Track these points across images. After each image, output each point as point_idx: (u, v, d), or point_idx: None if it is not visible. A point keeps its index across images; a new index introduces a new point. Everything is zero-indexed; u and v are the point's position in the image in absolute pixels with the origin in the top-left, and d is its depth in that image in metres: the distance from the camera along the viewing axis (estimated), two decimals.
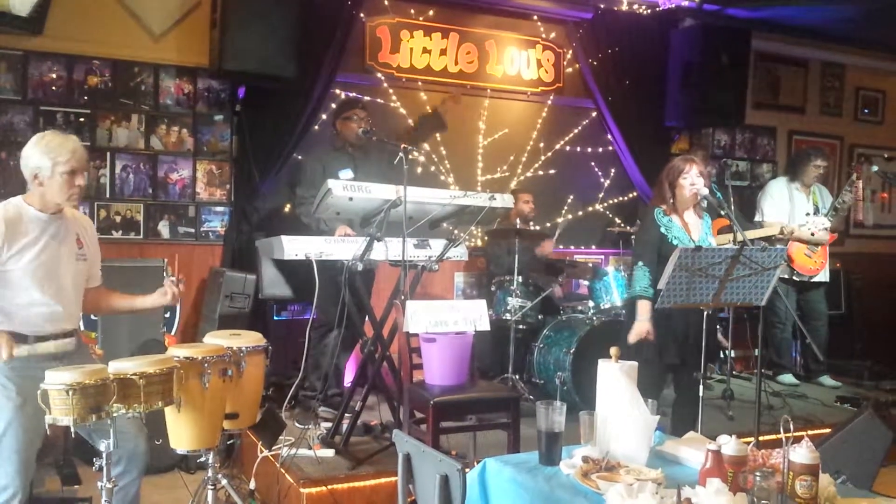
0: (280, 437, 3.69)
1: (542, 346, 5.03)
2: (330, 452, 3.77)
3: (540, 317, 5.23)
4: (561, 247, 6.30)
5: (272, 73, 4.85)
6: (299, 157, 5.17)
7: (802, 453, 2.07)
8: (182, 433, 2.98)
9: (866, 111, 7.80)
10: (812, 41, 7.07)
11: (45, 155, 2.86)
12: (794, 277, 5.61)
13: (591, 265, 5.69)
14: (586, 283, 5.66)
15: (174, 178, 5.16)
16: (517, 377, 4.93)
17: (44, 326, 2.89)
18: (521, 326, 5.06)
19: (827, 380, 5.95)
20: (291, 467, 3.63)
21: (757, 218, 5.74)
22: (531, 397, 4.63)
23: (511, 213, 5.59)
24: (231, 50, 4.75)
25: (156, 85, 5.09)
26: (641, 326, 3.73)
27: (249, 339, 3.24)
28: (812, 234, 5.32)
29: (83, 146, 2.99)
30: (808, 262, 5.63)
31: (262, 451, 3.71)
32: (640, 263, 3.79)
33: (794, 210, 5.66)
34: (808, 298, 5.79)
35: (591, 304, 5.27)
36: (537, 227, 6.01)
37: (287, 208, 5.26)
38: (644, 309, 3.74)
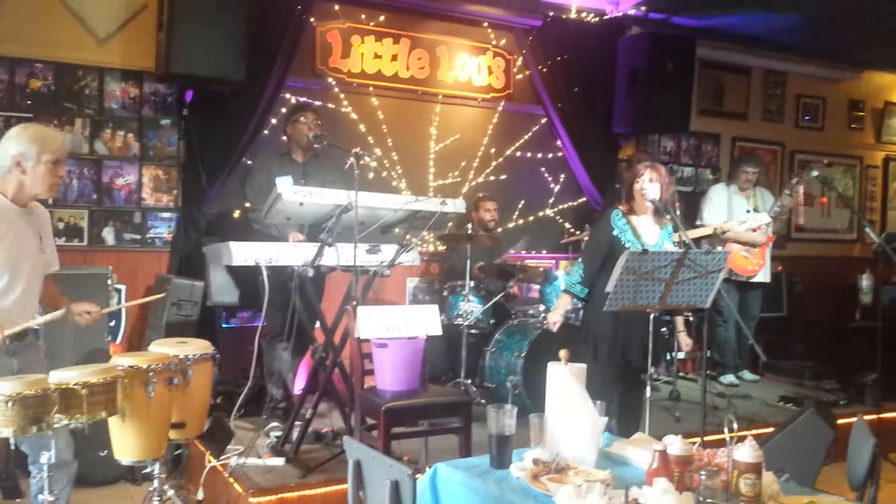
0: (229, 447, 3.64)
1: (493, 351, 5.06)
2: (280, 461, 3.72)
3: (492, 321, 5.25)
4: (513, 251, 6.35)
5: (221, 76, 4.77)
6: (249, 161, 5.12)
7: (746, 452, 2.12)
8: (127, 444, 2.93)
9: (807, 118, 8.01)
10: (755, 49, 7.25)
11: (32, 143, 2.85)
12: (733, 277, 5.75)
13: (542, 269, 5.74)
14: (537, 287, 5.71)
15: (119, 184, 5.06)
16: (469, 382, 4.95)
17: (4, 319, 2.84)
18: (472, 331, 5.08)
19: (747, 374, 6.15)
20: (240, 477, 3.58)
21: (697, 222, 5.88)
22: (483, 401, 4.64)
23: (471, 219, 5.62)
24: (178, 53, 4.67)
25: (100, 89, 4.98)
26: (552, 317, 4.11)
27: (196, 346, 3.20)
28: (754, 230, 5.48)
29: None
30: (746, 263, 5.78)
31: (210, 461, 3.66)
32: (580, 260, 4.02)
33: (733, 214, 5.81)
34: (743, 300, 5.95)
35: (541, 308, 5.32)
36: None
37: (236, 213, 5.19)
38: (563, 302, 4.10)
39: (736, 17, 6.56)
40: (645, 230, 3.91)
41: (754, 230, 5.52)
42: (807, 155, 7.90)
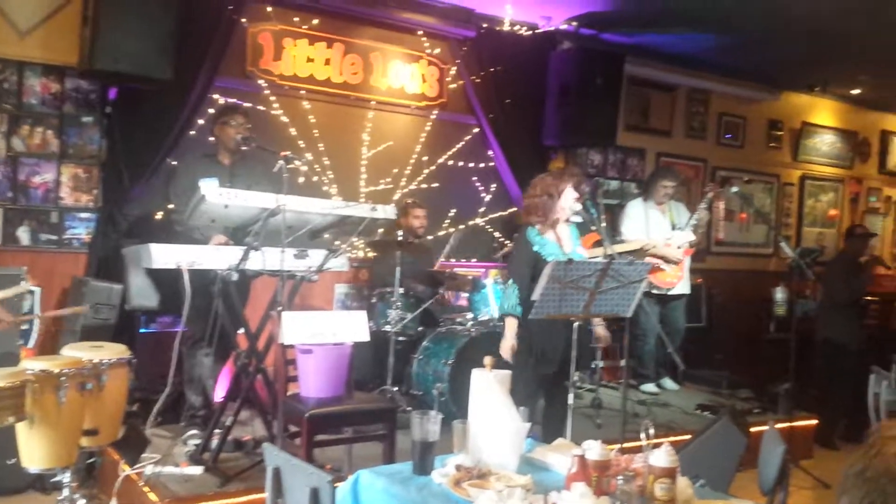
0: (144, 454, 3.53)
1: (421, 358, 5.06)
2: (198, 469, 3.63)
3: (420, 328, 5.25)
4: (444, 260, 6.36)
5: (146, 74, 4.64)
6: (174, 162, 5.00)
7: (661, 457, 2.17)
8: (35, 451, 2.82)
9: (728, 136, 8.27)
10: (680, 68, 7.45)
11: None
12: (654, 291, 5.88)
13: (470, 278, 5.77)
14: (466, 295, 5.74)
15: (37, 182, 4.87)
16: (396, 389, 4.93)
17: None
18: (400, 338, 5.07)
19: (667, 382, 6.30)
20: (156, 485, 3.48)
21: (617, 237, 5.99)
22: (409, 408, 4.63)
23: (400, 226, 5.60)
24: (103, 48, 4.53)
25: (20, 83, 4.79)
26: (507, 343, 3.88)
27: (112, 351, 3.10)
28: (678, 248, 5.63)
29: None
30: (664, 276, 5.92)
31: (124, 469, 3.54)
32: (511, 281, 3.93)
33: (650, 228, 5.95)
34: (667, 313, 6.09)
35: (469, 315, 5.34)
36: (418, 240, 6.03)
37: (159, 215, 5.05)
38: (511, 326, 3.90)
39: (662, 36, 6.76)
40: (562, 238, 4.00)
41: (679, 247, 5.70)
42: (728, 172, 8.16)
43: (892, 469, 0.82)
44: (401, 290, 5.06)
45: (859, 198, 9.61)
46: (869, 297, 7.26)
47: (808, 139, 8.92)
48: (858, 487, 0.85)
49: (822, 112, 9.04)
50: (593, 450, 2.23)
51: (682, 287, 6.06)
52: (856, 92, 8.77)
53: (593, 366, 5.81)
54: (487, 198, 6.69)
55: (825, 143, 9.12)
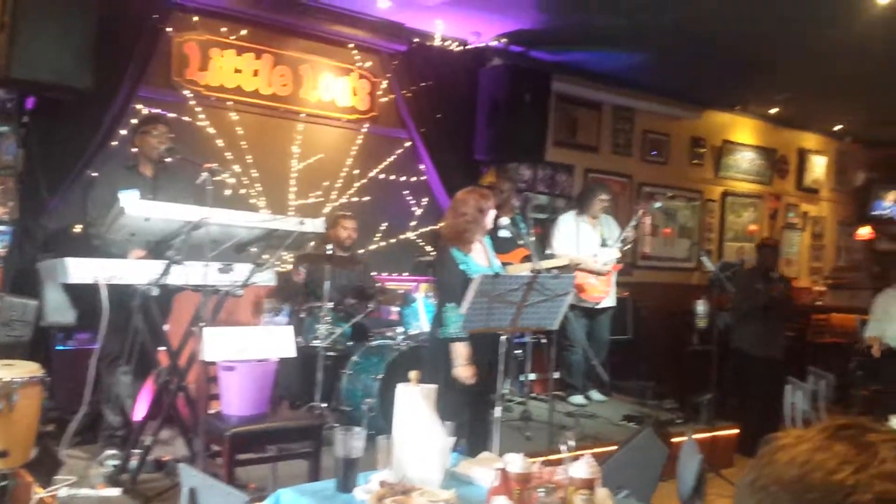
0: (58, 476, 3.39)
1: (350, 373, 5.01)
2: (116, 491, 3.51)
3: (350, 343, 5.21)
4: (374, 273, 6.33)
5: (65, 83, 4.50)
6: (94, 174, 4.85)
7: (581, 468, 2.20)
8: None
9: (653, 153, 8.48)
10: (606, 86, 7.62)
11: None
12: (581, 304, 5.97)
13: (401, 292, 5.76)
14: (396, 309, 5.72)
15: None
16: (325, 405, 4.87)
17: None
18: (330, 353, 5.01)
19: (595, 394, 6.37)
20: None
21: (547, 251, 6.07)
22: (336, 425, 4.57)
23: (329, 238, 5.54)
24: (20, 56, 4.36)
25: None
26: (467, 371, 3.78)
27: (23, 369, 2.98)
28: (605, 265, 5.74)
29: None
30: (593, 290, 6.02)
31: (37, 492, 3.40)
32: (453, 304, 3.76)
33: (581, 242, 6.05)
34: (593, 325, 6.19)
35: (400, 329, 5.32)
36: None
37: (77, 228, 4.89)
38: (463, 351, 3.79)
39: (588, 53, 6.91)
40: (486, 254, 4.05)
41: (606, 263, 5.81)
42: (653, 188, 8.36)
43: (783, 476, 0.84)
44: (330, 305, 5.01)
45: (778, 213, 9.97)
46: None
47: (728, 156, 9.21)
48: (750, 496, 0.87)
49: (743, 130, 9.37)
50: (515, 463, 2.25)
51: (609, 301, 6.18)
52: (774, 111, 9.12)
53: (522, 379, 5.86)
54: (419, 212, 6.70)
55: (745, 160, 9.44)
